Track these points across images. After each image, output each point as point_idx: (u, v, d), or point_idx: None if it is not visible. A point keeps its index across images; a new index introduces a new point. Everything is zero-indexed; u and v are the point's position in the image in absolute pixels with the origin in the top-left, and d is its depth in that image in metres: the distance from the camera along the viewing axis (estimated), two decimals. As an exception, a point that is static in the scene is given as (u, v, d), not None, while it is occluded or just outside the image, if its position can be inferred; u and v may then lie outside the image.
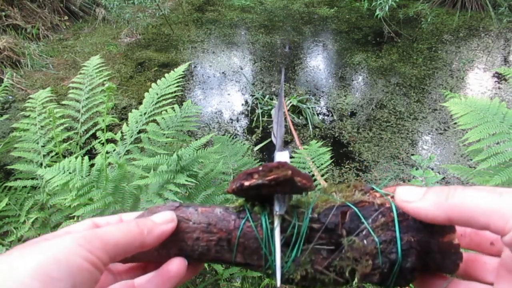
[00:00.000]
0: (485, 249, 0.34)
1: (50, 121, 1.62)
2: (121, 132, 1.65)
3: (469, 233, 0.35)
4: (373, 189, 0.36)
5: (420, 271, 0.33)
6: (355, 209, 0.34)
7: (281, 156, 0.39)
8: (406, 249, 0.32)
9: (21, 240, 1.56)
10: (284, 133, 0.40)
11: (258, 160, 1.94)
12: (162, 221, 0.35)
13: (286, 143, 3.17)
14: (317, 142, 1.87)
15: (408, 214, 0.32)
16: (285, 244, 0.35)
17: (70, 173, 1.34)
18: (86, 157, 1.41)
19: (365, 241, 0.33)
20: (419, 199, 0.30)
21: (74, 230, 0.36)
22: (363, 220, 0.33)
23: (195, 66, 4.36)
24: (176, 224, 0.36)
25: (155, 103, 1.73)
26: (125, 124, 1.73)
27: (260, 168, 0.33)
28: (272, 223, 0.35)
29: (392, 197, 0.34)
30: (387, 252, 0.32)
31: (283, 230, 0.35)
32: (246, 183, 0.33)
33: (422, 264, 0.32)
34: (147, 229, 0.34)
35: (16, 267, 0.26)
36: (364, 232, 0.33)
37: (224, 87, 3.98)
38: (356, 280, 0.33)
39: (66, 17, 5.23)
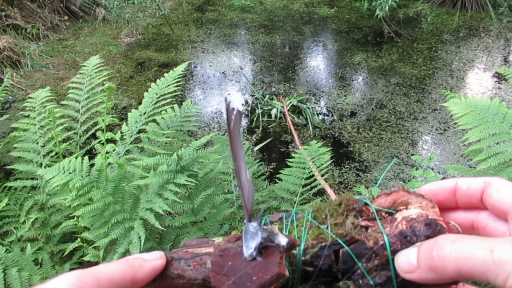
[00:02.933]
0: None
1: (50, 121, 1.61)
2: (121, 132, 1.65)
3: None
4: (366, 204, 0.35)
5: None
6: (348, 249, 0.33)
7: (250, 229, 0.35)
8: (402, 286, 0.32)
9: (21, 240, 1.56)
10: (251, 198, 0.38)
11: (258, 160, 1.94)
12: (152, 258, 0.37)
13: (286, 143, 3.17)
14: (317, 142, 1.87)
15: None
16: None
17: (70, 173, 1.34)
18: (86, 157, 1.41)
19: (360, 281, 0.32)
20: (413, 270, 0.30)
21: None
22: (356, 261, 0.33)
23: (195, 66, 4.36)
24: (165, 262, 0.37)
25: (155, 103, 1.73)
26: (124, 124, 1.72)
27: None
28: None
29: (386, 213, 0.34)
30: None
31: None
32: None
33: None
34: (137, 264, 0.35)
35: None
36: (358, 272, 0.33)
37: (224, 87, 3.98)
38: None
39: (66, 17, 5.23)
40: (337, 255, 0.33)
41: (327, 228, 0.35)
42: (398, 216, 0.33)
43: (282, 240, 0.32)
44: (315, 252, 0.34)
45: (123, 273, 0.34)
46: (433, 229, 0.32)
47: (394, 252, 0.32)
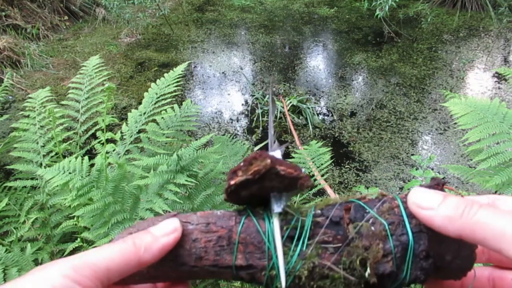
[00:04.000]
0: (507, 264, 0.34)
1: (50, 121, 1.61)
2: (121, 132, 1.65)
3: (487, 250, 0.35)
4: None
5: (436, 265, 0.31)
6: (359, 202, 0.33)
7: (273, 154, 0.37)
8: (416, 232, 0.31)
9: (21, 240, 1.56)
10: (275, 134, 0.39)
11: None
12: (163, 233, 0.32)
13: (283, 143, 3.16)
14: (317, 142, 1.87)
15: (419, 219, 0.30)
16: (289, 240, 0.33)
17: (70, 173, 1.34)
18: (86, 157, 1.41)
19: (372, 227, 0.32)
20: (434, 208, 0.29)
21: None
22: (367, 208, 0.33)
23: (195, 66, 4.36)
24: (180, 233, 0.33)
25: (155, 103, 1.73)
26: (124, 124, 1.72)
27: (242, 164, 0.32)
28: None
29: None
30: (397, 234, 0.31)
31: (286, 226, 0.34)
32: (232, 182, 0.32)
33: (437, 254, 0.31)
34: (145, 246, 0.31)
35: None
36: (370, 220, 0.32)
37: (224, 87, 3.98)
38: (368, 272, 0.31)
39: (66, 17, 5.23)
40: (348, 212, 0.34)
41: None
42: None
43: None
44: (325, 206, 0.35)
45: (126, 259, 0.30)
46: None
47: (405, 203, 0.32)
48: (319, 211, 0.34)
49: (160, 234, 0.32)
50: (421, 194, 0.30)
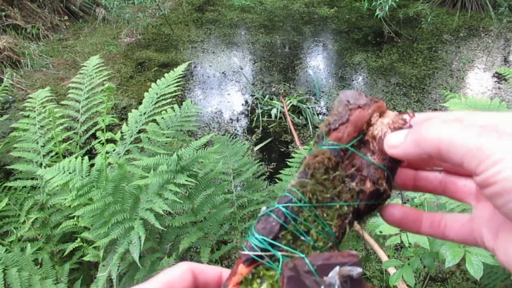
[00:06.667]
0: (463, 174, 0.34)
1: (50, 121, 1.61)
2: (121, 132, 1.65)
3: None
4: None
5: None
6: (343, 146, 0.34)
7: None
8: (390, 167, 0.33)
9: (21, 240, 1.56)
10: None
11: (258, 160, 1.94)
12: None
13: (286, 143, 3.16)
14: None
15: (399, 159, 0.32)
16: None
17: (70, 173, 1.34)
18: (86, 157, 1.41)
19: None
20: (401, 142, 0.30)
21: (172, 277, 0.33)
22: (349, 148, 0.34)
23: (195, 66, 4.36)
24: None
25: (155, 103, 1.73)
26: (124, 124, 1.72)
27: None
28: None
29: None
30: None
31: None
32: None
33: None
34: None
35: None
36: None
37: (224, 87, 3.98)
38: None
39: (66, 17, 5.23)
40: None
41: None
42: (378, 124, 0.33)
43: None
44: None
45: None
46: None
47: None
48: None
49: None
50: (388, 137, 0.32)
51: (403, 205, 0.35)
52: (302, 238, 0.31)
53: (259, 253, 0.31)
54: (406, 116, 0.33)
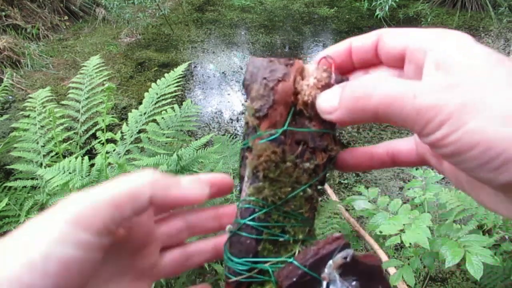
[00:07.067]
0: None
1: (50, 121, 1.62)
2: (121, 132, 1.65)
3: None
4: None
5: None
6: None
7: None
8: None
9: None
10: None
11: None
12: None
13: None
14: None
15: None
16: None
17: (70, 173, 1.34)
18: (86, 157, 1.41)
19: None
20: (336, 107, 0.28)
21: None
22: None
23: (195, 66, 4.36)
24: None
25: (155, 103, 1.73)
26: (125, 124, 1.73)
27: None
28: None
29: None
30: None
31: None
32: None
33: None
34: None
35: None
36: None
37: (224, 87, 3.98)
38: None
39: (66, 17, 5.23)
40: None
41: None
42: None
43: None
44: None
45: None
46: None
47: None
48: None
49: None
50: (321, 100, 0.30)
51: (353, 149, 0.33)
52: (281, 239, 0.30)
53: (246, 274, 0.30)
54: (327, 69, 0.30)
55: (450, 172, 0.29)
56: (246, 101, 0.31)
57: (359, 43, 0.33)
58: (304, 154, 0.30)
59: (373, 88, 0.26)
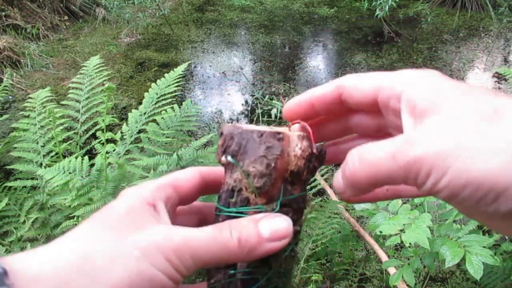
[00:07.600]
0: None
1: (50, 121, 1.61)
2: (121, 132, 1.65)
3: None
4: None
5: None
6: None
7: None
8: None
9: (21, 240, 1.56)
10: None
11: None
12: (271, 237, 0.27)
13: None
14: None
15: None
16: None
17: (70, 173, 1.34)
18: (86, 157, 1.41)
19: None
20: (344, 190, 0.29)
21: (179, 175, 0.32)
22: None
23: (195, 66, 4.36)
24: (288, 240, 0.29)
25: (155, 103, 1.73)
26: (124, 124, 1.73)
27: None
28: None
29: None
30: None
31: None
32: None
33: None
34: (249, 247, 0.27)
35: None
36: None
37: (224, 87, 3.98)
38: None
39: (66, 17, 5.23)
40: None
41: None
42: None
43: None
44: None
45: (226, 256, 0.27)
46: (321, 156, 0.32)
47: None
48: None
49: (267, 237, 0.27)
50: (333, 181, 0.31)
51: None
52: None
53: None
54: (306, 136, 0.32)
55: (460, 210, 0.30)
56: (238, 167, 0.31)
57: (320, 94, 0.34)
58: (290, 216, 0.32)
59: (357, 163, 0.27)
